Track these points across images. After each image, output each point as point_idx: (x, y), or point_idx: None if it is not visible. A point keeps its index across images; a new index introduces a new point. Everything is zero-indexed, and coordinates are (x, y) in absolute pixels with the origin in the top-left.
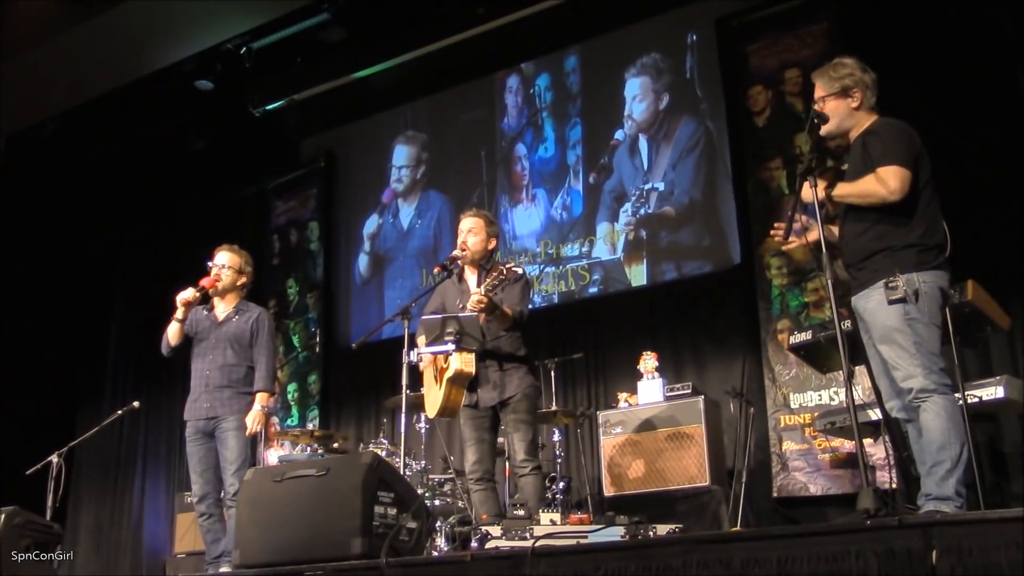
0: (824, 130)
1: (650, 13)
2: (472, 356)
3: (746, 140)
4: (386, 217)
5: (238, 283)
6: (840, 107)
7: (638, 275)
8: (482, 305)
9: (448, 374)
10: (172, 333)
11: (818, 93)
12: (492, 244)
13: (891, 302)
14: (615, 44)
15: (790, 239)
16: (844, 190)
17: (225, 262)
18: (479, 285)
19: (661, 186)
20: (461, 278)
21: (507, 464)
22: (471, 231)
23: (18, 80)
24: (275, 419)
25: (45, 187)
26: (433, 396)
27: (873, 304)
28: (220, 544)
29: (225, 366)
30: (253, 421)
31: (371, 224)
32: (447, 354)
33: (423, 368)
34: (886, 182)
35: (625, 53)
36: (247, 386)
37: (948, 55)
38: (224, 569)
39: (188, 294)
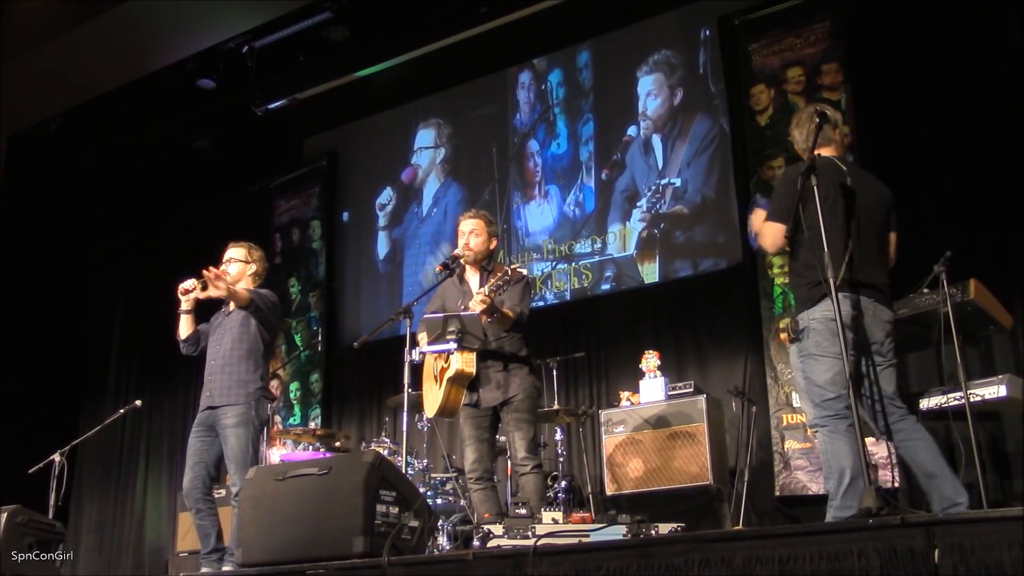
0: None
1: (662, 9)
2: (473, 356)
3: (749, 139)
4: (411, 204)
5: (247, 273)
6: None
7: (650, 273)
8: (484, 306)
9: (449, 374)
10: (181, 327)
11: None
12: (493, 244)
13: (791, 341)
14: (628, 40)
15: None
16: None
17: (232, 256)
18: (481, 286)
19: (678, 181)
20: (462, 279)
21: (508, 463)
22: (472, 232)
23: (20, 79)
24: (277, 418)
25: (48, 186)
26: (432, 395)
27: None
28: (211, 539)
29: (227, 351)
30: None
31: (384, 196)
32: (448, 353)
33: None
34: (764, 238)
35: (638, 49)
36: (247, 374)
37: (950, 53)
38: (227, 567)
39: (188, 283)
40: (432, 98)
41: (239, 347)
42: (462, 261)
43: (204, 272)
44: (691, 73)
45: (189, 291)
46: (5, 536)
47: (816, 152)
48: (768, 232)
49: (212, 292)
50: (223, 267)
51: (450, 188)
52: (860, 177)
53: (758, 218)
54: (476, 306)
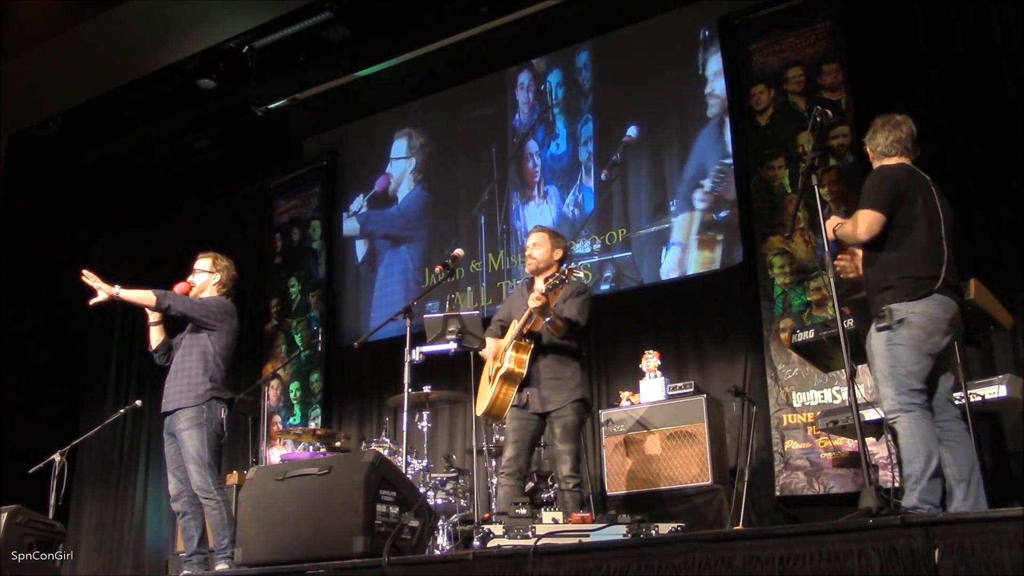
0: None
1: (662, 9)
2: (526, 357)
3: (749, 139)
4: (384, 210)
5: (211, 283)
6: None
7: (709, 261)
8: (539, 303)
9: (501, 371)
10: (151, 337)
11: None
12: (559, 255)
13: (878, 329)
14: (627, 40)
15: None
16: (839, 232)
17: (197, 266)
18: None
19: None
20: (531, 288)
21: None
22: (535, 244)
23: (21, 79)
24: (277, 418)
25: (48, 186)
26: (484, 394)
27: (871, 331)
28: (195, 541)
29: (180, 358)
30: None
31: (356, 204)
32: (503, 351)
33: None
34: (855, 224)
35: (637, 49)
36: (196, 377)
37: (949, 54)
38: (222, 566)
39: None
40: (429, 99)
41: (190, 353)
42: (527, 271)
43: (81, 277)
44: (691, 73)
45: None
46: (5, 536)
47: (901, 161)
48: (865, 219)
49: (101, 297)
50: (191, 277)
51: (419, 195)
52: (938, 190)
53: (833, 223)
54: (532, 302)
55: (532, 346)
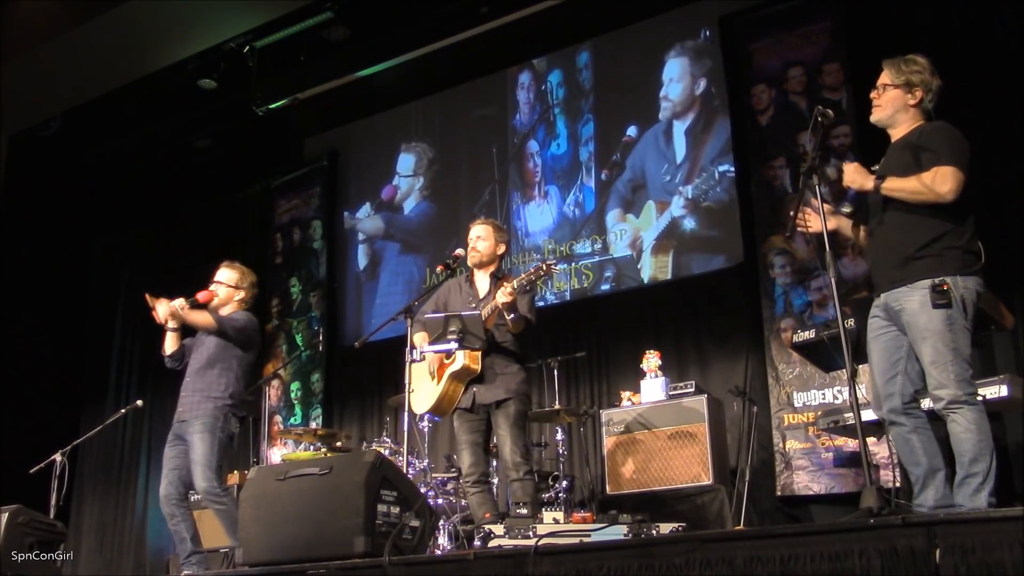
0: (874, 117)
1: (662, 9)
2: (479, 354)
3: (749, 139)
4: (385, 215)
5: (235, 298)
6: (898, 99)
7: (662, 266)
8: (510, 299)
9: (453, 368)
10: (167, 343)
11: (882, 80)
12: (501, 249)
13: (936, 305)
14: (628, 40)
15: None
16: (896, 184)
17: (222, 279)
18: (491, 291)
19: (716, 172)
20: (471, 282)
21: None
22: (479, 237)
23: (22, 79)
24: (278, 418)
25: (49, 186)
26: (426, 391)
27: (915, 304)
28: (188, 542)
29: (201, 369)
30: (165, 307)
31: (362, 212)
32: (450, 352)
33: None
34: (944, 181)
35: (638, 49)
36: (216, 391)
37: (951, 54)
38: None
39: (176, 304)
40: (429, 99)
41: (212, 364)
42: (469, 264)
43: (198, 295)
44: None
45: (175, 312)
46: (6, 536)
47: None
48: (955, 178)
49: (165, 315)
50: (212, 287)
51: (427, 209)
52: None
53: (861, 173)
54: (502, 297)
55: (486, 343)
